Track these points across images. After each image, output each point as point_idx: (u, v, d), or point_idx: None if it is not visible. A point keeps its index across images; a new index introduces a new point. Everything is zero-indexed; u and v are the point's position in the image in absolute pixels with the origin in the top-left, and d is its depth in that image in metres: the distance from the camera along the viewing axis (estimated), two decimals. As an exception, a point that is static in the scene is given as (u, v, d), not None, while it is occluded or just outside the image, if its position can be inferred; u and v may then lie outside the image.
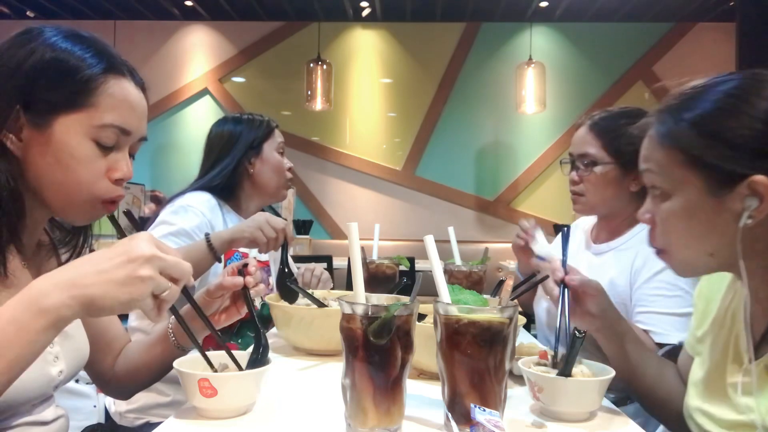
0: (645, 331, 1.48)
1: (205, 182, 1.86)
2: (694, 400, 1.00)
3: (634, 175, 1.63)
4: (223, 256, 1.73)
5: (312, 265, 1.91)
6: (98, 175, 0.92)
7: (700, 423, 0.96)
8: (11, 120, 0.87)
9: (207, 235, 1.59)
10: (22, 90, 0.88)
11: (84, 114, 0.90)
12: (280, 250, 1.59)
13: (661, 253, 0.98)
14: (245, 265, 1.13)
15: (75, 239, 1.06)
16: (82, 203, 0.93)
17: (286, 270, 1.47)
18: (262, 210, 2.04)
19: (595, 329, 1.15)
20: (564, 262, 1.18)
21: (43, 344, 0.73)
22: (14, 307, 0.72)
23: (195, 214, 1.74)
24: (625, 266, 1.59)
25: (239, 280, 1.10)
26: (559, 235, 2.02)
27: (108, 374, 1.16)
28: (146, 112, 1.00)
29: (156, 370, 1.15)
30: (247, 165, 1.88)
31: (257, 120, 1.95)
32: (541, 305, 1.79)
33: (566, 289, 1.15)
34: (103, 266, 0.74)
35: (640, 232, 1.65)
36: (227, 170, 1.86)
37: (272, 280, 1.92)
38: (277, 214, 2.12)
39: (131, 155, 0.99)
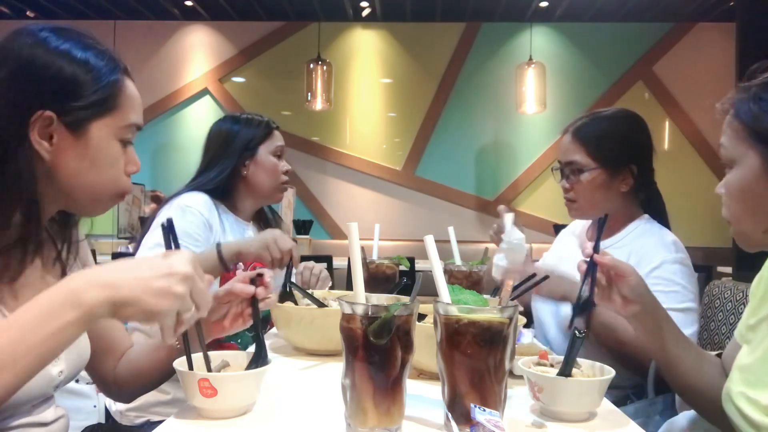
0: None
1: (200, 183, 1.85)
2: (737, 385, 0.98)
3: (623, 176, 1.66)
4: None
5: (311, 263, 1.90)
6: (121, 170, 1.00)
7: (741, 407, 0.95)
8: (41, 126, 0.90)
9: (218, 245, 1.60)
10: (46, 97, 0.91)
11: (113, 117, 0.96)
12: (285, 269, 1.58)
13: (730, 224, 1.02)
14: (260, 275, 1.10)
15: (66, 230, 1.08)
16: (107, 199, 1.00)
17: (288, 290, 1.46)
18: (263, 209, 2.03)
19: (631, 315, 1.12)
20: (596, 247, 1.15)
21: (70, 337, 0.75)
22: (51, 297, 0.75)
23: (194, 215, 1.74)
24: (623, 259, 1.60)
25: (250, 288, 1.08)
26: (561, 233, 2.03)
27: (109, 377, 1.16)
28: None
29: (159, 375, 1.14)
30: (242, 167, 1.87)
31: (256, 120, 1.93)
32: (537, 304, 1.79)
33: (594, 269, 1.12)
34: (143, 273, 0.77)
35: (634, 230, 1.67)
36: (222, 172, 1.86)
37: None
38: (276, 215, 2.12)
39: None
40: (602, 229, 1.23)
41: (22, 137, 0.90)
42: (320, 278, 1.87)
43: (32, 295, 0.83)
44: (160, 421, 0.92)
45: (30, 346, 0.72)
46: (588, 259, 1.12)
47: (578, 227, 1.91)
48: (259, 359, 1.00)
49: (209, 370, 0.97)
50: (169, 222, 0.95)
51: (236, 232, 1.86)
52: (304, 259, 1.96)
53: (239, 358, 1.03)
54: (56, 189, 0.95)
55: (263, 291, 1.09)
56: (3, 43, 0.94)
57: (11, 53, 0.92)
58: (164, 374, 1.14)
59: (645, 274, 1.52)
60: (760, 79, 0.97)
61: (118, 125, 0.97)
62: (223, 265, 1.60)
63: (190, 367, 0.95)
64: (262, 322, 1.82)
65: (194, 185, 1.85)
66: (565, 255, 1.81)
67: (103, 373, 1.16)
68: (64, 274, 1.06)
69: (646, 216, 1.70)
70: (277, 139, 1.96)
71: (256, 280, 1.09)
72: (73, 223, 1.09)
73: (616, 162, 1.65)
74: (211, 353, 0.99)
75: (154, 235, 1.69)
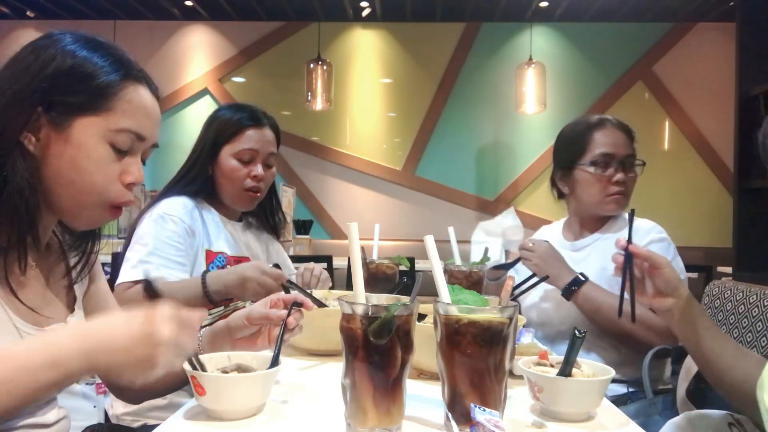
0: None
1: (181, 185, 1.81)
2: None
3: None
4: (206, 258, 1.71)
5: (311, 264, 1.87)
6: (112, 178, 0.95)
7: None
8: (32, 121, 0.90)
9: (204, 279, 1.55)
10: (44, 92, 0.91)
11: (102, 118, 0.93)
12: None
13: None
14: (296, 304, 1.11)
15: (84, 243, 1.07)
16: (92, 206, 0.95)
17: (288, 291, 1.45)
18: (261, 208, 1.94)
19: (665, 309, 1.10)
20: (629, 239, 1.15)
21: (50, 392, 0.79)
22: (29, 351, 0.76)
23: (175, 222, 1.69)
24: (611, 251, 1.64)
25: (282, 314, 1.09)
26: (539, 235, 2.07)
27: (124, 383, 1.17)
28: (159, 120, 1.03)
29: (177, 379, 1.14)
30: (208, 167, 1.80)
31: (233, 119, 1.79)
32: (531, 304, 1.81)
33: (631, 262, 1.12)
34: (125, 344, 0.78)
35: (618, 218, 1.75)
36: (196, 172, 1.80)
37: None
38: (278, 215, 2.06)
39: (143, 161, 1.01)
40: (632, 222, 1.24)
41: (13, 130, 0.89)
42: (320, 279, 1.82)
43: (32, 299, 0.84)
44: (157, 425, 0.92)
45: (11, 401, 0.75)
46: (624, 251, 1.12)
47: (551, 232, 1.98)
48: (275, 360, 1.02)
49: (224, 371, 0.98)
50: (147, 282, 0.93)
51: (223, 233, 1.82)
52: (304, 259, 1.96)
53: (257, 361, 1.03)
54: (43, 189, 0.93)
55: (293, 321, 1.09)
56: (26, 45, 0.95)
57: (28, 51, 0.94)
58: (183, 379, 1.13)
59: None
60: None
61: (109, 127, 0.94)
62: (209, 300, 1.55)
63: (199, 366, 0.95)
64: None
65: (175, 188, 1.81)
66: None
67: (119, 382, 1.17)
68: (70, 287, 1.06)
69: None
70: (247, 141, 1.77)
71: (292, 308, 1.10)
72: (93, 234, 1.07)
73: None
74: (233, 353, 1.03)
75: (137, 251, 1.65)
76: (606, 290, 1.58)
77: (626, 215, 1.71)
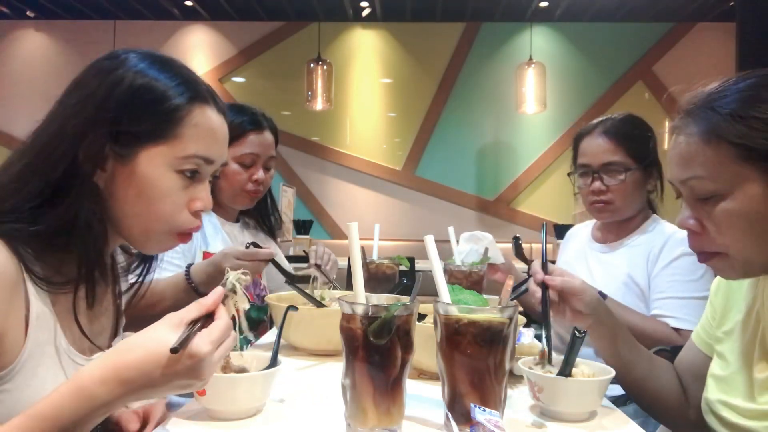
0: (662, 317, 1.53)
1: None
2: (714, 394, 1.00)
3: (651, 176, 1.71)
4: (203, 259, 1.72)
5: (321, 247, 1.86)
6: (180, 206, 0.92)
7: (723, 415, 0.96)
8: (96, 152, 0.86)
9: (187, 272, 1.54)
10: (110, 123, 0.87)
11: (168, 146, 0.89)
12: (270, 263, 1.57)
13: (713, 257, 0.93)
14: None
15: (142, 265, 1.06)
16: (160, 234, 0.93)
17: (286, 271, 1.49)
18: (258, 207, 1.96)
19: (587, 326, 1.15)
20: (543, 263, 1.17)
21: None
22: (68, 410, 0.71)
23: None
24: (640, 259, 1.65)
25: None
26: (566, 240, 2.05)
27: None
28: (228, 138, 0.99)
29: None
30: None
31: (230, 123, 1.80)
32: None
33: (547, 291, 1.14)
34: (162, 388, 0.75)
35: (649, 229, 1.72)
36: None
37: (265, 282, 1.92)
38: (275, 213, 2.07)
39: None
40: (545, 241, 1.24)
41: (84, 164, 0.86)
42: (331, 259, 1.83)
43: (86, 325, 0.87)
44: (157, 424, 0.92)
45: None
46: (539, 284, 1.15)
47: (582, 231, 1.93)
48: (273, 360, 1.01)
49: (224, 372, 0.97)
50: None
51: (221, 234, 1.83)
52: (304, 259, 1.95)
53: (257, 361, 1.02)
54: (110, 219, 0.91)
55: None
56: (87, 68, 0.91)
57: (91, 76, 0.90)
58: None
59: (665, 265, 1.59)
60: (708, 98, 0.90)
61: (176, 155, 0.89)
62: (196, 292, 1.53)
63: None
64: (258, 325, 1.83)
65: None
66: (574, 251, 1.89)
67: None
68: (116, 311, 1.03)
69: (655, 215, 1.76)
70: (249, 146, 1.78)
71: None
72: (152, 258, 1.05)
73: (650, 162, 1.69)
74: (233, 353, 0.98)
75: None
76: (622, 305, 1.56)
77: (654, 223, 1.72)
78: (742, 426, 0.92)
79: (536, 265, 1.18)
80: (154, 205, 0.89)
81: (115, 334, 1.02)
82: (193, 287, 1.52)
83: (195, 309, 0.77)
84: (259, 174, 1.80)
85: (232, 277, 0.86)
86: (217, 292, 0.80)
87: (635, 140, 1.69)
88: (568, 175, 1.81)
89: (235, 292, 0.85)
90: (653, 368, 1.17)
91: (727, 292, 1.07)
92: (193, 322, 0.76)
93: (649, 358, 1.19)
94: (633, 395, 1.20)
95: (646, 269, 1.63)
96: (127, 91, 0.87)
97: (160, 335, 0.74)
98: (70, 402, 0.71)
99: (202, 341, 0.74)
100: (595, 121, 1.77)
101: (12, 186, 0.85)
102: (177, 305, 0.81)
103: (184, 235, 0.95)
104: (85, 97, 0.88)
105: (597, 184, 1.69)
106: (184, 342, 0.72)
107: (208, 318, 0.78)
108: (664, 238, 1.64)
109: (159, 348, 0.72)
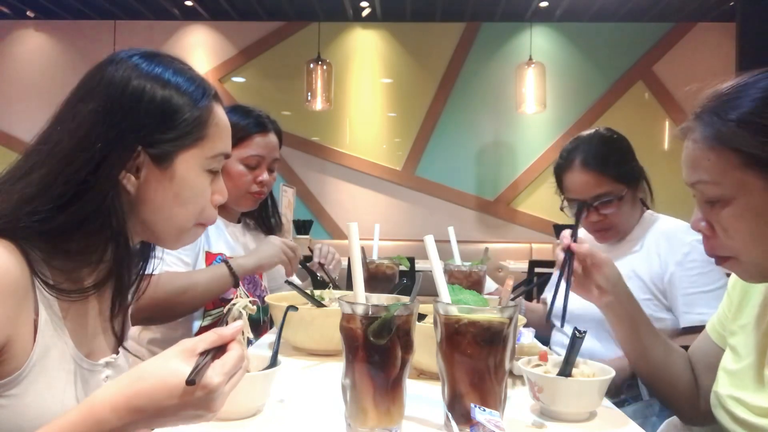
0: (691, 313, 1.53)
1: None
2: (725, 388, 0.99)
3: (640, 186, 1.72)
4: (205, 259, 1.75)
5: (325, 246, 1.95)
6: (207, 201, 0.96)
7: (733, 410, 0.96)
8: (131, 161, 0.87)
9: (227, 264, 1.63)
10: (141, 130, 0.87)
11: (199, 147, 0.92)
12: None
13: (726, 260, 0.94)
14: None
15: (141, 262, 1.06)
16: (189, 230, 0.96)
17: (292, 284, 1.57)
18: (259, 209, 1.98)
19: (604, 305, 1.14)
20: (575, 233, 1.17)
21: None
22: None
23: None
24: (645, 256, 1.64)
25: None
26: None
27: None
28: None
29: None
30: None
31: (236, 125, 1.79)
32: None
33: (571, 258, 1.14)
34: (172, 417, 0.73)
35: (646, 230, 1.71)
36: None
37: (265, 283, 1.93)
38: (276, 215, 2.10)
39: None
40: (579, 218, 1.27)
41: (110, 171, 0.85)
42: (335, 259, 1.90)
43: (93, 327, 0.86)
44: None
45: None
46: (566, 251, 1.14)
47: (580, 231, 1.93)
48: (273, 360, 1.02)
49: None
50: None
51: (223, 235, 1.85)
52: (308, 258, 1.97)
53: (257, 361, 1.02)
54: (139, 222, 0.92)
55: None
56: (93, 71, 0.91)
57: (103, 82, 0.89)
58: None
59: (680, 261, 1.58)
60: (720, 100, 0.89)
61: (206, 156, 0.93)
62: (235, 281, 1.63)
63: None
64: (255, 326, 1.83)
65: None
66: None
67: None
68: (124, 315, 1.03)
69: (648, 210, 1.75)
70: (255, 148, 1.81)
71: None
72: (152, 253, 1.06)
73: (636, 176, 1.71)
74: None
75: None
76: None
77: (652, 217, 1.72)
78: (752, 423, 0.92)
79: (566, 231, 1.18)
80: (189, 204, 0.93)
81: (122, 339, 1.02)
82: (231, 272, 1.62)
83: (211, 339, 0.76)
84: (264, 176, 1.83)
85: (239, 304, 0.86)
86: (236, 325, 0.80)
87: (617, 164, 1.68)
88: (561, 209, 1.81)
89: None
90: (670, 354, 1.16)
91: (745, 285, 1.07)
92: (205, 352, 0.75)
93: (666, 345, 1.17)
94: (648, 382, 1.19)
95: (659, 267, 1.62)
96: (153, 100, 0.88)
97: (173, 365, 0.73)
98: (81, 426, 0.71)
99: (215, 373, 0.73)
100: (568, 147, 1.74)
101: (29, 191, 0.84)
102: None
103: (205, 225, 1.00)
104: (107, 107, 0.87)
105: (594, 216, 1.69)
106: (199, 373, 0.71)
107: (219, 348, 0.77)
108: (663, 236, 1.65)
109: (171, 378, 0.72)
